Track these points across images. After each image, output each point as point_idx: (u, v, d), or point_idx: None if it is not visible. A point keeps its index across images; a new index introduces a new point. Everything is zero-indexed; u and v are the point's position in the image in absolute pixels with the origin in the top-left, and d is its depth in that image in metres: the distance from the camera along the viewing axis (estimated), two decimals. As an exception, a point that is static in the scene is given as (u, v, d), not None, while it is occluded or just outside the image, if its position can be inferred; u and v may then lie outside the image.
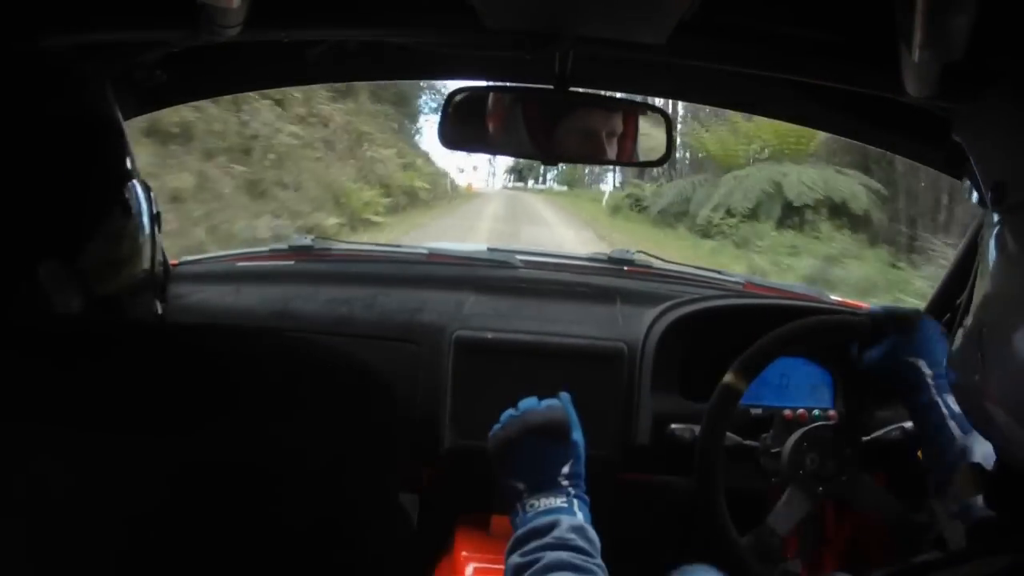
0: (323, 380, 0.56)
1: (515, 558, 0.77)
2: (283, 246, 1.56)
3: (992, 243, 0.45)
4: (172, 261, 1.41)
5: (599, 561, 0.76)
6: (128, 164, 0.65)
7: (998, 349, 0.42)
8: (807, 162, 12.85)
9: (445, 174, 24.43)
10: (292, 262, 1.51)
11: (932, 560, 0.39)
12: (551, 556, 0.74)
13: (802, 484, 1.10)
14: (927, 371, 1.00)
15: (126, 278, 0.65)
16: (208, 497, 0.50)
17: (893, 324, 1.06)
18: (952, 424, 0.95)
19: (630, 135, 1.14)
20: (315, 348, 0.58)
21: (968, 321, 0.46)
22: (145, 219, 0.67)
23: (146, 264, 0.67)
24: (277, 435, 0.53)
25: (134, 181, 0.65)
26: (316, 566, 0.53)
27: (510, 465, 0.85)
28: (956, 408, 0.94)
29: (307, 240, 1.58)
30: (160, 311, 0.70)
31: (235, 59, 1.17)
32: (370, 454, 0.57)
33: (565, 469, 0.84)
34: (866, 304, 1.59)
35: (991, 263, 0.45)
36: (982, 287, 0.45)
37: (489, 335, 1.29)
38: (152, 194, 0.69)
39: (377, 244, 1.70)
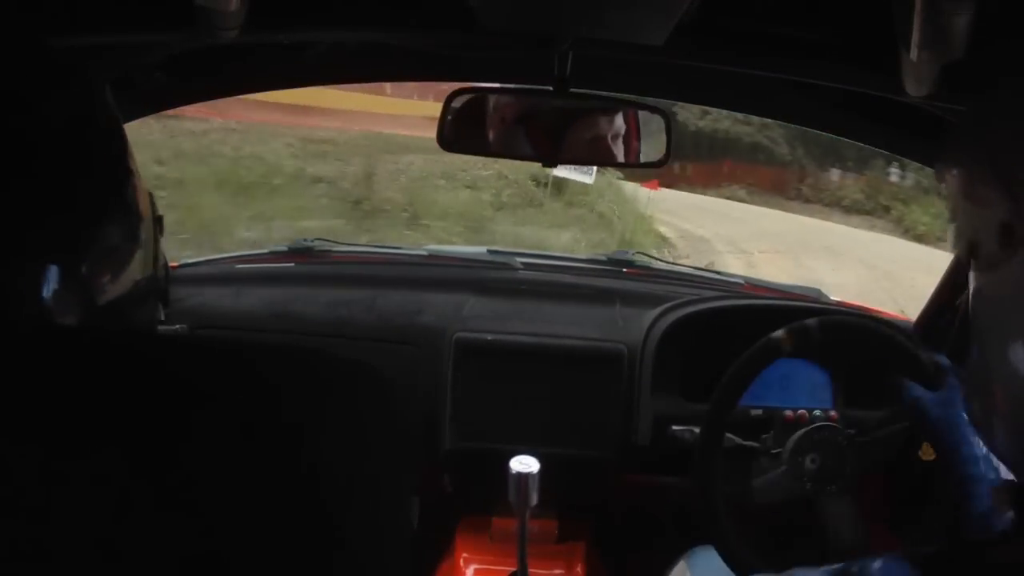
0: (335, 390, 0.56)
1: None
2: (283, 248, 1.56)
3: (977, 289, 0.44)
4: (171, 264, 1.41)
5: None
6: (130, 166, 0.65)
7: (1003, 376, 0.41)
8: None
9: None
10: (292, 264, 1.50)
11: (990, 539, 0.39)
12: None
13: (837, 494, 1.08)
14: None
15: (129, 284, 0.64)
16: (216, 499, 0.51)
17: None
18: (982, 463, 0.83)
19: (631, 136, 1.14)
20: (326, 357, 0.58)
21: (974, 351, 0.45)
22: (148, 223, 0.66)
23: (148, 269, 0.66)
24: (288, 441, 0.53)
25: (135, 184, 0.65)
26: (317, 568, 0.53)
27: None
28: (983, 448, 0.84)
29: (307, 242, 1.58)
30: (162, 317, 0.69)
31: (234, 61, 1.17)
32: (382, 461, 0.57)
33: None
34: (859, 303, 1.59)
35: (980, 305, 0.44)
36: (979, 318, 0.44)
37: (489, 337, 1.28)
38: (152, 198, 0.68)
39: (377, 246, 1.70)
